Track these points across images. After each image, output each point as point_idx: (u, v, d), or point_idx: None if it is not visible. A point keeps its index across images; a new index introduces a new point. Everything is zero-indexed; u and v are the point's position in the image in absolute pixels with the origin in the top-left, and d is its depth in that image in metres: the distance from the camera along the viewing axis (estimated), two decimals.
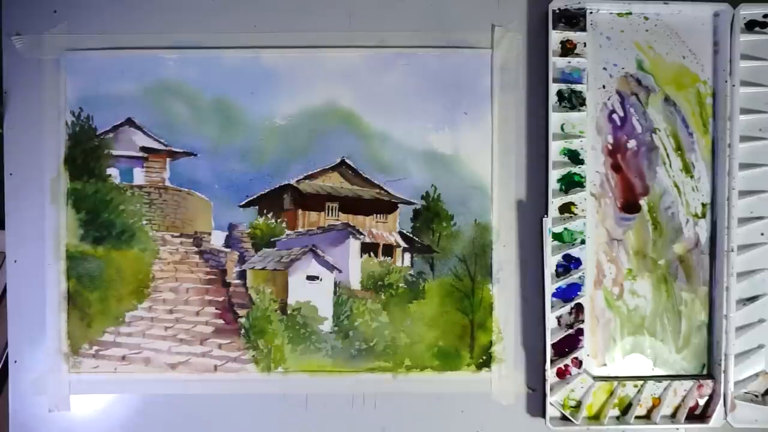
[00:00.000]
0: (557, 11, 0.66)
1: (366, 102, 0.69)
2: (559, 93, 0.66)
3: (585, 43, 0.66)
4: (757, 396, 0.67)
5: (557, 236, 0.67)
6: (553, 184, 0.66)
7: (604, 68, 0.68)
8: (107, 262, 0.68)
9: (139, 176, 0.69)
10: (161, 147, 0.69)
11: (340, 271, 0.69)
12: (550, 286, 0.66)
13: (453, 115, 0.69)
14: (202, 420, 0.68)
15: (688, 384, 0.67)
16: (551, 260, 0.66)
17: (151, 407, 0.68)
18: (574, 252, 0.66)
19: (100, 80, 0.68)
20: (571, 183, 0.67)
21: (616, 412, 0.68)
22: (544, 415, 0.66)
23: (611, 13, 0.68)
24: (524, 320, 0.69)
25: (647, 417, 0.67)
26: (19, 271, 0.68)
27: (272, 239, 0.69)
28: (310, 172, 0.69)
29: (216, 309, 0.69)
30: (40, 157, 0.68)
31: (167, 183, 0.69)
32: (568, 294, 0.66)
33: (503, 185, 0.69)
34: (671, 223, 0.69)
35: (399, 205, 0.69)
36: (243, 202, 0.69)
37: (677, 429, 0.67)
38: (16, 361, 0.68)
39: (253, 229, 0.69)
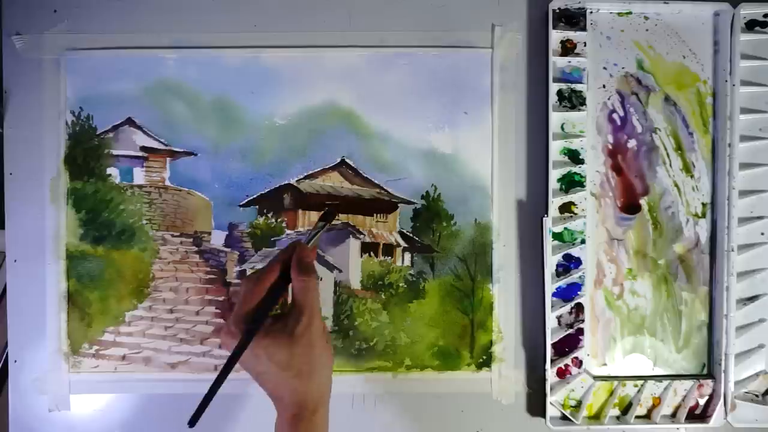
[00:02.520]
0: (557, 11, 0.67)
1: (366, 102, 0.69)
2: (559, 93, 0.67)
3: (585, 43, 0.66)
4: (757, 396, 0.67)
5: (557, 236, 0.67)
6: (553, 184, 0.66)
7: (605, 68, 0.68)
8: (107, 261, 0.68)
9: (139, 176, 0.69)
10: (161, 147, 0.69)
11: (340, 271, 0.69)
12: (550, 286, 0.66)
13: (453, 114, 0.69)
14: (202, 420, 0.68)
15: (688, 384, 0.67)
16: (551, 260, 0.66)
17: (151, 407, 0.68)
18: (575, 252, 0.66)
19: (100, 80, 0.68)
20: (571, 183, 0.67)
21: (616, 411, 0.68)
22: (544, 415, 0.66)
23: (611, 13, 0.68)
24: (524, 320, 0.69)
25: (647, 417, 0.67)
26: (19, 271, 0.68)
27: (272, 239, 0.69)
28: (310, 172, 0.69)
29: (216, 309, 0.69)
30: (40, 157, 0.68)
31: (167, 183, 0.69)
32: (568, 294, 0.66)
33: (503, 185, 0.69)
34: (671, 223, 0.69)
35: (399, 204, 0.69)
36: (243, 202, 0.69)
37: (677, 429, 0.67)
38: (16, 361, 0.68)
39: (253, 228, 0.69)
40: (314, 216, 0.69)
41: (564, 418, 0.66)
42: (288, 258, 0.52)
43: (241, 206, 0.69)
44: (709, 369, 0.68)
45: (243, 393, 0.68)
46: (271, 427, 0.69)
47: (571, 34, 0.66)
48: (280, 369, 0.48)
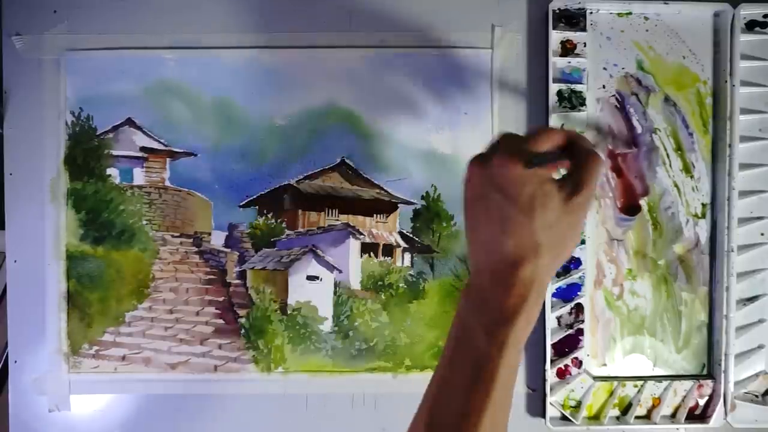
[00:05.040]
0: (557, 11, 0.66)
1: (366, 102, 0.69)
2: (559, 93, 0.67)
3: (585, 43, 0.66)
4: (757, 396, 0.67)
5: None
6: None
7: (604, 68, 0.68)
8: (107, 262, 0.68)
9: (139, 176, 0.69)
10: (161, 147, 0.69)
11: (340, 271, 0.69)
12: (550, 286, 0.66)
13: (453, 115, 0.69)
14: (202, 420, 0.68)
15: (688, 384, 0.67)
16: None
17: (151, 407, 0.68)
18: (574, 252, 0.66)
19: (100, 80, 0.68)
20: None
21: (616, 412, 0.68)
22: (544, 415, 0.66)
23: (611, 13, 0.68)
24: None
25: (647, 417, 0.67)
26: (19, 271, 0.68)
27: (272, 239, 0.69)
28: (310, 172, 0.69)
29: (216, 309, 0.69)
30: (40, 157, 0.68)
31: (167, 183, 0.69)
32: (568, 294, 0.67)
33: None
34: (671, 223, 0.69)
35: (399, 205, 0.69)
36: (243, 202, 0.69)
37: (677, 429, 0.67)
38: (16, 361, 0.68)
39: (253, 229, 0.69)
40: (314, 216, 0.69)
41: (564, 418, 0.66)
42: (572, 137, 0.45)
43: (241, 206, 0.69)
44: (709, 369, 0.68)
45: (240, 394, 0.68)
46: (273, 427, 0.68)
47: (571, 35, 0.66)
48: (540, 225, 0.40)
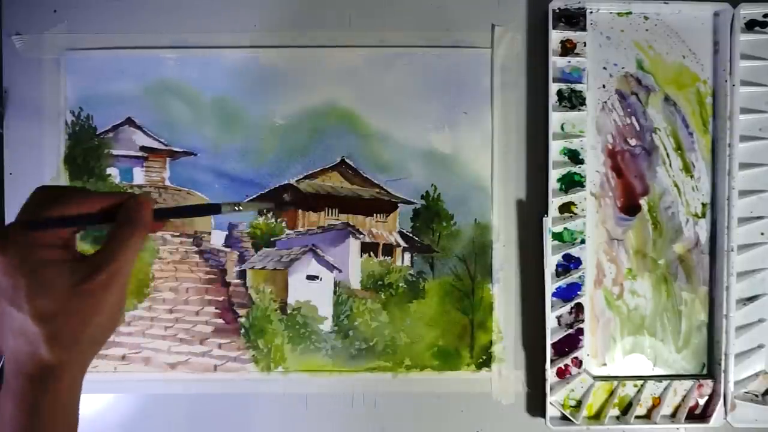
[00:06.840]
0: (557, 11, 0.67)
1: (366, 102, 0.69)
2: (559, 92, 0.67)
3: (585, 43, 0.66)
4: (757, 396, 0.67)
5: (557, 236, 0.67)
6: (553, 184, 0.66)
7: (604, 68, 0.68)
8: None
9: (139, 176, 0.69)
10: (161, 147, 0.69)
11: (340, 271, 0.69)
12: (550, 286, 0.66)
13: (453, 115, 0.69)
14: (202, 420, 0.68)
15: (688, 384, 0.67)
16: (551, 260, 0.66)
17: (150, 407, 0.68)
18: (574, 252, 0.66)
19: (100, 80, 0.68)
20: (571, 183, 0.67)
21: (616, 411, 0.68)
22: (544, 415, 0.66)
23: (611, 13, 0.68)
24: (524, 320, 0.69)
25: (647, 417, 0.67)
26: None
27: (272, 239, 0.69)
28: (310, 172, 0.69)
29: (216, 309, 0.69)
30: (40, 156, 0.68)
31: (167, 182, 0.69)
32: (568, 294, 0.66)
33: (503, 185, 0.69)
34: (671, 223, 0.69)
35: (399, 204, 0.69)
36: (243, 202, 0.69)
37: (677, 429, 0.67)
38: None
39: (253, 228, 0.69)
40: (314, 216, 0.69)
41: (564, 418, 0.66)
42: (123, 201, 0.41)
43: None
44: (709, 369, 0.68)
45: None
46: (272, 427, 0.69)
47: (571, 34, 0.66)
48: (37, 318, 0.37)
